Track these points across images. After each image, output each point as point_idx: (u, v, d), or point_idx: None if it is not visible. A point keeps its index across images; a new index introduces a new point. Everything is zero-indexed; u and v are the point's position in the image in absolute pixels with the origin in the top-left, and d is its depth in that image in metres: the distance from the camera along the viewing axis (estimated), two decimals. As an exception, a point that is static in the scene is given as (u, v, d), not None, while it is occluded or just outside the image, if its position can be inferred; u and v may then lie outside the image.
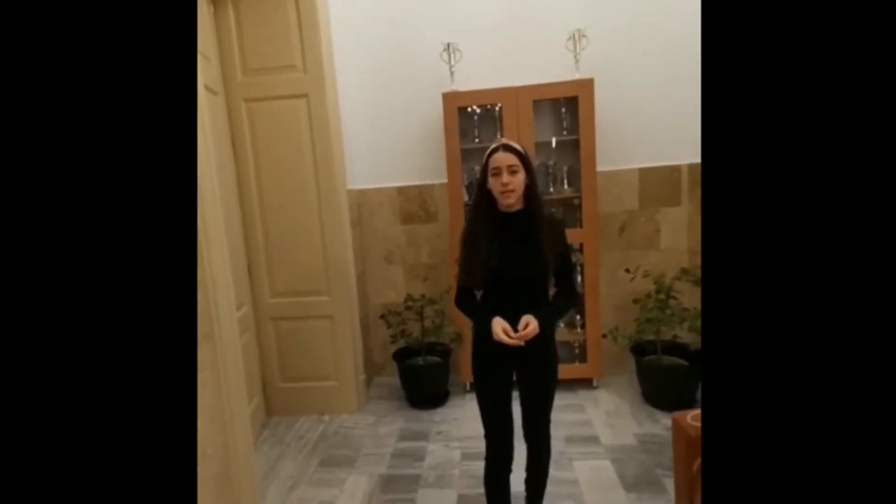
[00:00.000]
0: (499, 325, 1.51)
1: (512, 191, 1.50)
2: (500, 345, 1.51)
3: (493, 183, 1.53)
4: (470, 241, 1.58)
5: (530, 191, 1.54)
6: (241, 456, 1.57)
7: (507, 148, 1.52)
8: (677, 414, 1.65)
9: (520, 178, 1.51)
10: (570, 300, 1.66)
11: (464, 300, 1.67)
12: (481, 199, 1.58)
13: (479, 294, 1.67)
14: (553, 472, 2.25)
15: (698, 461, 1.54)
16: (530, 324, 1.50)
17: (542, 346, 1.61)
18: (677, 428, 1.62)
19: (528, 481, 1.84)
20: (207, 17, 1.57)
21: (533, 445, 1.78)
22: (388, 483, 2.30)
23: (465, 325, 2.56)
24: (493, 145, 1.55)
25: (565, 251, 1.62)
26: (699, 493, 1.50)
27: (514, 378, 1.69)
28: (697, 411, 1.64)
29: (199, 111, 1.48)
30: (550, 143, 2.98)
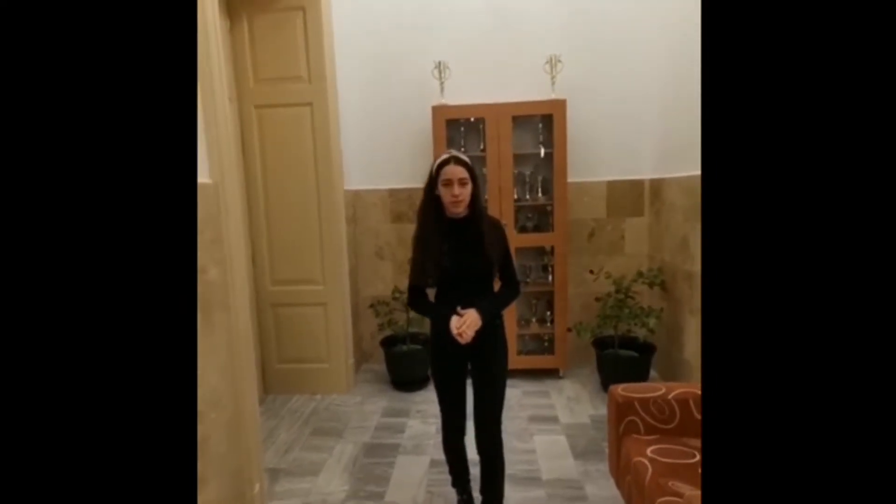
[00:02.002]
0: (453, 324, 1.66)
1: (461, 201, 1.67)
2: (455, 340, 1.66)
3: (443, 192, 1.67)
4: (421, 244, 1.72)
5: (474, 199, 1.71)
6: (248, 405, 1.89)
7: (458, 161, 1.66)
8: (613, 386, 1.98)
9: (468, 190, 1.67)
10: (511, 291, 1.82)
11: (418, 300, 1.81)
12: (430, 205, 1.72)
13: (430, 293, 1.82)
14: (515, 443, 2.57)
15: (625, 422, 1.88)
16: (468, 317, 1.65)
17: (492, 342, 1.78)
18: (611, 396, 1.96)
19: (483, 493, 1.91)
20: (224, 30, 1.81)
21: (485, 458, 1.85)
22: (372, 450, 2.61)
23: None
24: (444, 157, 1.69)
25: (506, 250, 1.79)
26: (623, 446, 1.83)
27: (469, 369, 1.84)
28: (627, 385, 1.98)
29: (225, 118, 1.81)
30: (527, 155, 3.33)
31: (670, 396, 1.87)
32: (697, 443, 1.77)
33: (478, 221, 1.73)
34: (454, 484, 2.03)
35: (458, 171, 1.65)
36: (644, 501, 1.60)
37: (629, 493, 1.77)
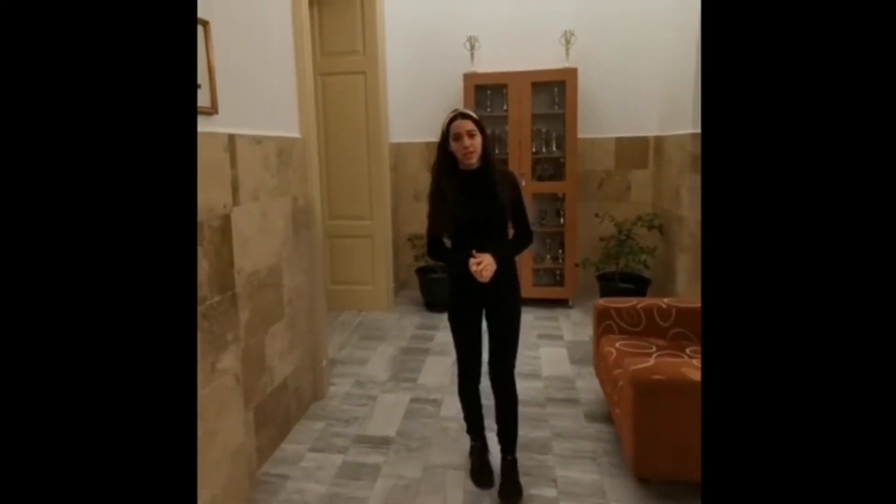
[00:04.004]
0: (472, 263, 1.72)
1: (473, 152, 1.72)
2: (471, 284, 1.73)
3: (455, 146, 1.73)
4: (438, 196, 1.78)
5: (485, 150, 1.76)
6: (319, 299, 2.56)
7: (465, 115, 1.72)
8: (597, 300, 2.56)
9: (478, 141, 1.72)
10: (524, 239, 1.88)
11: (436, 249, 1.88)
12: (444, 160, 1.78)
13: (448, 242, 1.88)
14: (523, 352, 3.18)
15: (602, 325, 2.46)
16: (485, 258, 1.71)
17: (506, 285, 1.83)
18: (595, 307, 2.53)
19: (500, 434, 1.96)
20: (307, 11, 2.35)
21: (499, 392, 1.91)
22: (408, 351, 3.29)
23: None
24: (452, 114, 1.75)
25: (519, 199, 1.84)
26: (601, 343, 2.42)
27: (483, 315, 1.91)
28: (608, 298, 2.54)
29: (311, 88, 2.39)
30: (544, 115, 3.85)
31: (639, 307, 2.44)
32: (656, 341, 2.32)
33: (489, 172, 1.79)
34: (469, 430, 2.05)
35: (466, 125, 1.71)
36: (607, 373, 2.21)
37: (601, 375, 2.38)
